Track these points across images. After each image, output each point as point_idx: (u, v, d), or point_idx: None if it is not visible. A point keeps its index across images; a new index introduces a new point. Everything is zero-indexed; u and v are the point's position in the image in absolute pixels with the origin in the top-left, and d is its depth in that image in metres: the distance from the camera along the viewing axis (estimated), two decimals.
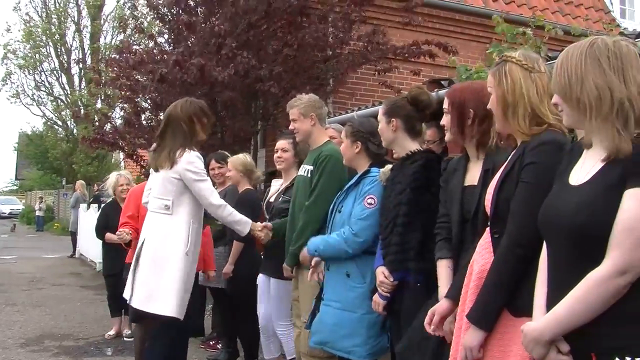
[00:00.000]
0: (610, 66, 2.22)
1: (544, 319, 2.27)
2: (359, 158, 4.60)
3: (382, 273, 3.96)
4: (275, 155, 5.92)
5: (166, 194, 4.98)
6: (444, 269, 3.44)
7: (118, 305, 8.68)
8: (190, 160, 4.92)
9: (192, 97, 5.48)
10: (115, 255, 8.15)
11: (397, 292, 3.92)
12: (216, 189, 6.55)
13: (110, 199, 9.12)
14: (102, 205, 10.75)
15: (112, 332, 8.72)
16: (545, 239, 2.40)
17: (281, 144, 5.88)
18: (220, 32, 10.15)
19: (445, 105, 3.47)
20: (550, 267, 2.36)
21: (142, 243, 5.07)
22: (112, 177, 8.80)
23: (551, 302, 2.27)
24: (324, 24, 10.46)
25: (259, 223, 5.45)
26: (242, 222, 5.22)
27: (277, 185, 6.24)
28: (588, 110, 2.24)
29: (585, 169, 2.30)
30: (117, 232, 6.36)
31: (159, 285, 4.87)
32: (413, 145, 4.14)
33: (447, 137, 3.51)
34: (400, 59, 11.19)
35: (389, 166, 4.32)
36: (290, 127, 5.37)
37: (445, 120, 3.47)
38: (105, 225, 8.37)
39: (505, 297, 2.63)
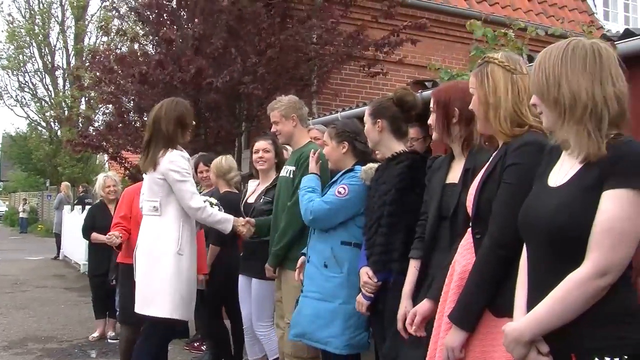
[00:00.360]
0: (587, 68, 2.24)
1: (524, 319, 2.29)
2: (346, 158, 4.59)
3: (366, 273, 3.97)
4: (256, 156, 5.90)
5: (153, 196, 4.95)
6: (410, 269, 3.55)
7: (102, 306, 8.70)
8: (172, 159, 4.86)
9: (178, 98, 5.41)
10: (101, 256, 8.18)
11: (381, 292, 3.94)
12: (201, 191, 6.54)
13: (98, 200, 9.08)
14: (89, 206, 10.69)
15: (96, 334, 8.67)
16: (525, 240, 2.41)
17: (262, 144, 5.86)
18: (195, 35, 10.17)
19: (432, 105, 3.48)
20: (530, 268, 2.38)
21: (137, 247, 5.09)
22: (100, 179, 8.78)
23: (531, 303, 2.29)
24: (307, 24, 10.45)
25: (241, 218, 5.41)
26: (223, 221, 5.17)
27: (253, 186, 6.21)
28: (563, 111, 2.26)
29: (563, 171, 2.32)
30: (107, 235, 6.19)
31: (153, 287, 4.86)
32: (398, 146, 4.15)
33: (434, 136, 3.52)
34: (385, 61, 11.19)
35: (370, 164, 4.33)
36: (272, 129, 5.37)
37: (431, 119, 3.48)
38: (92, 226, 8.30)
39: (487, 298, 2.64)
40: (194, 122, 5.21)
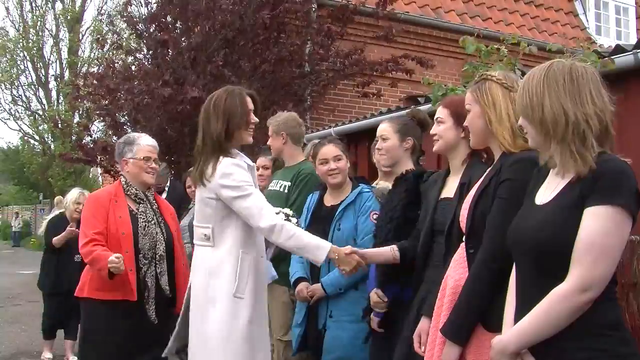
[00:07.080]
0: (566, 89, 2.29)
1: (509, 332, 2.34)
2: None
3: (375, 294, 3.90)
4: (256, 173, 5.86)
5: (204, 221, 3.83)
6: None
7: (54, 326, 8.26)
8: (226, 172, 3.71)
9: (235, 87, 4.12)
10: (64, 272, 7.72)
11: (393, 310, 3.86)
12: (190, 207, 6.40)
13: (58, 212, 8.32)
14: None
15: (49, 355, 8.16)
16: (513, 256, 2.45)
17: (262, 161, 5.84)
18: (192, 46, 10.15)
19: (442, 115, 3.44)
20: (517, 283, 2.42)
21: (190, 284, 3.97)
22: (74, 192, 8.00)
23: (518, 317, 2.33)
24: (301, 39, 10.48)
25: (347, 247, 3.78)
26: (310, 248, 3.73)
27: None
28: (548, 132, 2.31)
29: (549, 189, 2.37)
30: (112, 258, 4.10)
31: (201, 338, 3.76)
32: (410, 164, 4.15)
33: (437, 147, 3.48)
34: (377, 75, 11.19)
35: (382, 182, 4.33)
36: (269, 142, 5.45)
37: (436, 129, 3.46)
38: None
39: (479, 313, 2.67)
40: (255, 119, 3.97)
